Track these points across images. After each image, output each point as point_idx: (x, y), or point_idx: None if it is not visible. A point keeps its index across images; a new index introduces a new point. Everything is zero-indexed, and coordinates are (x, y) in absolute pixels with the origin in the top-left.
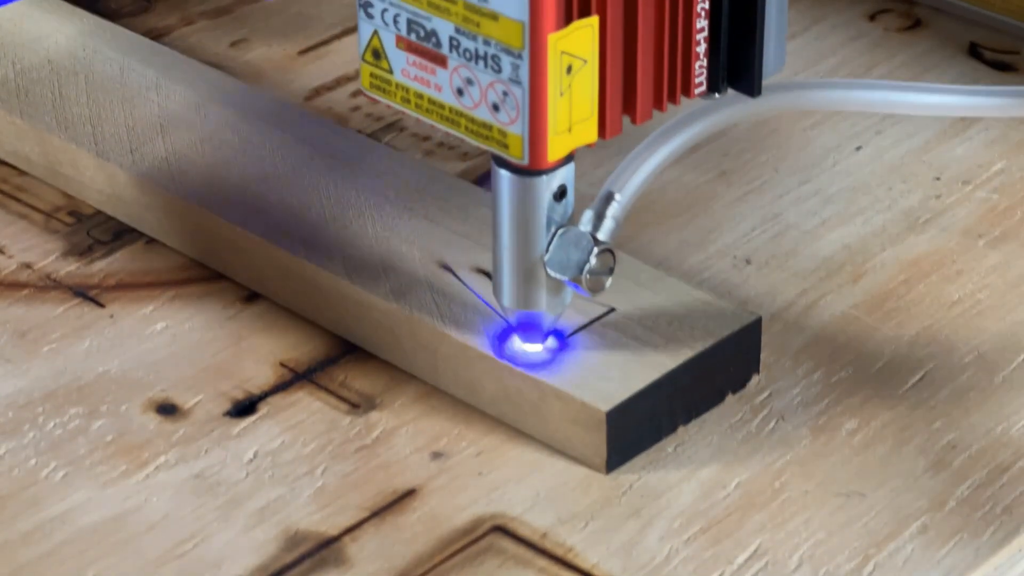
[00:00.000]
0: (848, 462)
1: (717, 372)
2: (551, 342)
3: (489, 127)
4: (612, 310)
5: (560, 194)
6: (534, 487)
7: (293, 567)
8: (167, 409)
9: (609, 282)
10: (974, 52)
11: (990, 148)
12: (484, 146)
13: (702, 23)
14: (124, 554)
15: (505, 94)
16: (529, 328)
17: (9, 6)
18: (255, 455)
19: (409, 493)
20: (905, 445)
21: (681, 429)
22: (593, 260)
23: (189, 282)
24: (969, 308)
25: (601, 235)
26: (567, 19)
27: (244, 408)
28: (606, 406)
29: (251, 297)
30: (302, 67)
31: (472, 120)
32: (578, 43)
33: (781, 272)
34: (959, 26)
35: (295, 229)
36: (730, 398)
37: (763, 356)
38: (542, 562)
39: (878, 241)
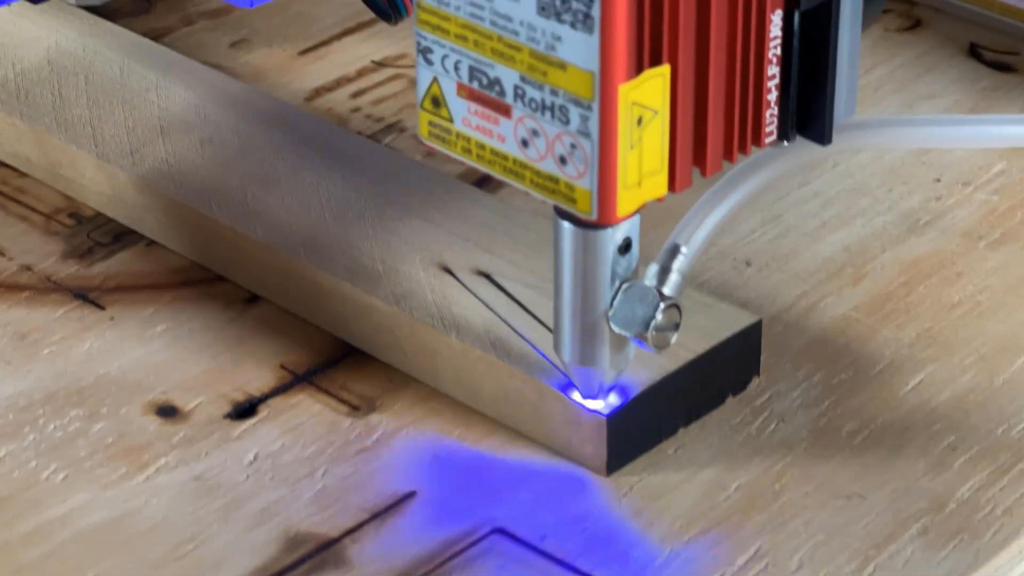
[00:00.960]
0: (848, 464)
1: (717, 374)
2: (613, 398)
3: (556, 180)
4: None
5: (625, 247)
6: (534, 489)
7: (293, 569)
8: (167, 411)
9: (675, 338)
10: (974, 52)
11: (990, 149)
12: (550, 200)
13: (774, 70)
14: (124, 556)
15: (573, 146)
16: (588, 383)
17: (9, 6)
18: (255, 457)
19: (409, 495)
20: (905, 447)
21: (681, 431)
22: (659, 316)
23: (189, 284)
24: (969, 310)
25: (667, 290)
26: (638, 68)
27: (244, 410)
28: (606, 409)
29: (251, 299)
30: (302, 67)
31: (537, 173)
32: (649, 93)
33: (781, 274)
34: (959, 26)
35: (295, 231)
36: (730, 400)
37: (763, 358)
38: (542, 564)
39: (878, 243)
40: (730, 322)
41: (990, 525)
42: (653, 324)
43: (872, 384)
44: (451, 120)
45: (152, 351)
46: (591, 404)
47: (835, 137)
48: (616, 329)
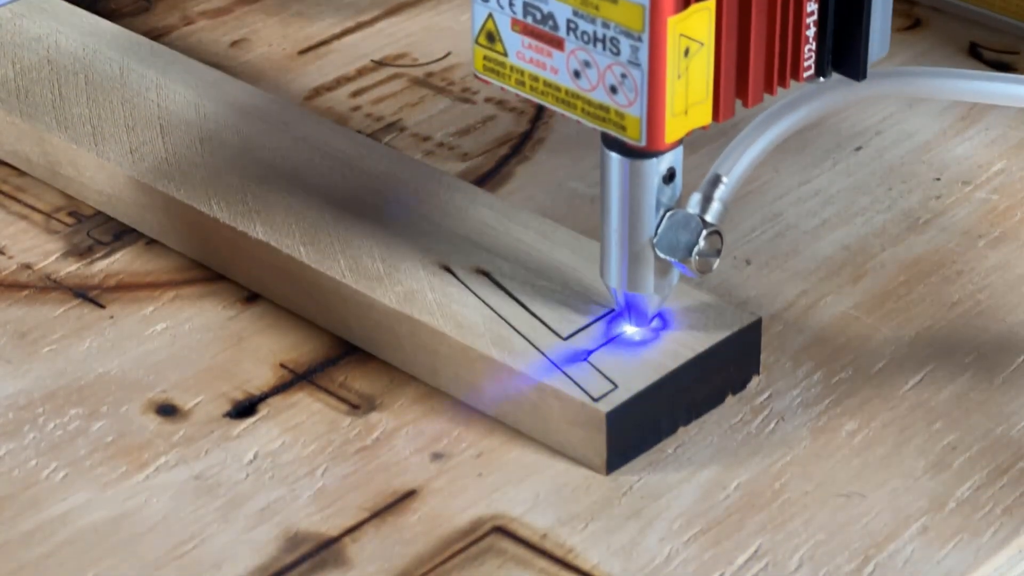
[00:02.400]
0: (848, 463)
1: (717, 373)
2: (656, 323)
3: (606, 109)
4: (612, 310)
5: (669, 176)
6: (534, 488)
7: (293, 568)
8: (167, 410)
9: (716, 264)
10: (974, 52)
11: (990, 148)
12: (600, 128)
13: (812, 6)
14: (124, 555)
15: (623, 76)
16: (635, 310)
17: (9, 6)
18: (255, 456)
19: (409, 494)
20: (905, 446)
21: (681, 430)
22: (702, 242)
23: (189, 283)
24: (969, 309)
25: (709, 217)
26: (686, 2)
27: (244, 409)
28: (606, 407)
29: (251, 298)
30: (302, 67)
31: (589, 102)
32: (696, 26)
33: (781, 272)
34: (959, 26)
35: (295, 229)
36: (730, 399)
37: (763, 357)
38: (542, 563)
39: (878, 241)
40: (730, 321)
41: (990, 524)
42: (696, 250)
43: (872, 383)
44: (505, 54)
45: (152, 350)
46: (633, 332)
47: (870, 83)
48: (661, 255)
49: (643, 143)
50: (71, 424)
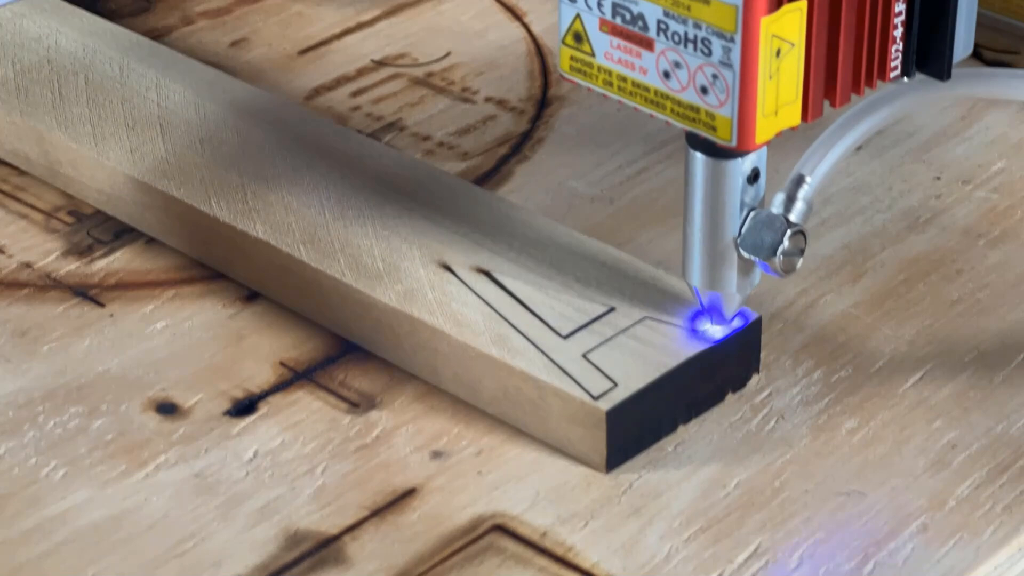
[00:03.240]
0: (848, 461)
1: (717, 371)
2: (737, 322)
3: (697, 109)
4: (612, 309)
5: (753, 177)
6: (534, 486)
7: (293, 566)
8: (167, 408)
9: (800, 263)
10: (974, 52)
11: (990, 148)
12: (691, 128)
13: (900, 6)
14: (124, 553)
15: (715, 77)
16: (716, 309)
17: (9, 6)
18: (255, 454)
19: (409, 492)
20: (905, 444)
21: (681, 428)
22: (786, 242)
23: (189, 281)
24: (969, 307)
25: (793, 217)
26: (778, 3)
27: (244, 407)
28: (606, 405)
29: (251, 296)
30: (302, 67)
31: (679, 103)
32: (787, 27)
33: None
34: None
35: (295, 228)
36: (730, 397)
37: (763, 355)
38: (542, 561)
39: (878, 240)
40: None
41: (990, 523)
42: (781, 249)
43: (872, 381)
44: (593, 55)
45: (152, 348)
46: (714, 331)
47: (952, 83)
48: (745, 254)
49: (734, 143)
50: (71, 422)
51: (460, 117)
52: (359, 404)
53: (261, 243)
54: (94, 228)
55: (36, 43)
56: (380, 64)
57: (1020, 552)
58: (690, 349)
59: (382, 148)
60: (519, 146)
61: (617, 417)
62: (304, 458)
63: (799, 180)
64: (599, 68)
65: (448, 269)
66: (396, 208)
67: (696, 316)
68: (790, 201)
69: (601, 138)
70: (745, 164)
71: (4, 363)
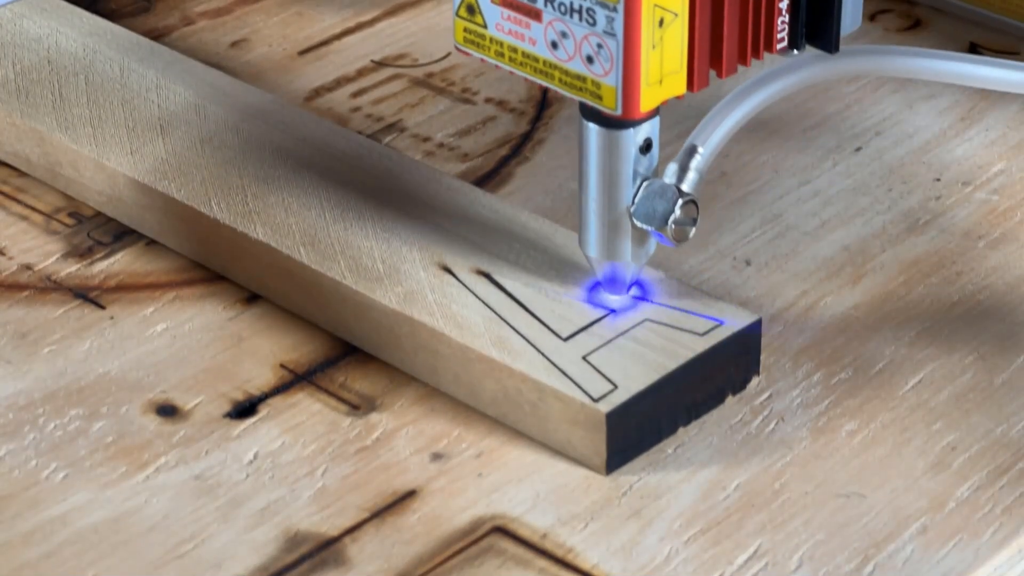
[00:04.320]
0: (848, 463)
1: (717, 373)
2: (634, 292)
3: (583, 79)
4: (612, 311)
5: (646, 147)
6: (534, 488)
7: (293, 568)
8: (167, 410)
9: (692, 232)
10: (974, 52)
11: (990, 149)
12: (578, 97)
13: None
14: (124, 555)
15: (599, 46)
16: (613, 279)
17: (9, 6)
18: (255, 456)
19: (409, 494)
20: (905, 446)
21: (681, 430)
22: (678, 211)
23: (189, 283)
24: (969, 309)
25: (685, 187)
26: None
27: (244, 409)
28: (606, 407)
29: (251, 298)
30: (302, 67)
31: (566, 72)
32: None
33: (781, 273)
34: (959, 26)
35: (295, 230)
36: (730, 399)
37: (763, 357)
38: (542, 563)
39: (878, 242)
40: (730, 321)
41: (989, 524)
42: (672, 218)
43: (872, 383)
44: (485, 26)
45: (152, 350)
46: (615, 299)
47: (845, 59)
48: (638, 224)
49: (619, 112)
50: (71, 424)
51: (460, 118)
52: (359, 406)
53: (261, 245)
54: (94, 230)
55: (36, 43)
56: (380, 64)
57: (1020, 554)
58: (690, 351)
59: (382, 149)
60: (519, 147)
61: (617, 419)
62: (304, 460)
63: (691, 150)
64: (491, 39)
65: (448, 271)
66: (396, 210)
67: (594, 287)
68: (682, 171)
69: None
70: (638, 135)
71: (4, 365)
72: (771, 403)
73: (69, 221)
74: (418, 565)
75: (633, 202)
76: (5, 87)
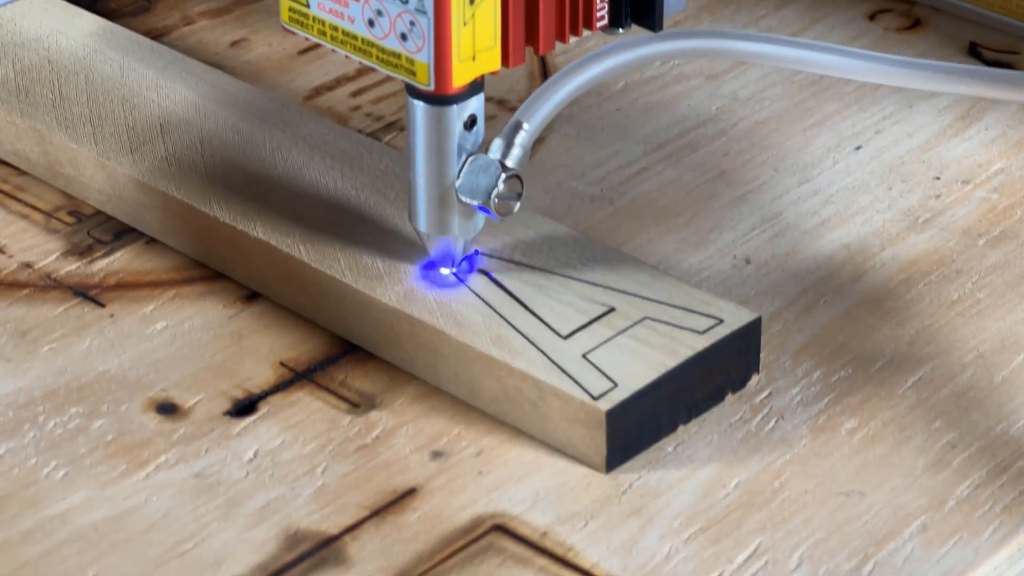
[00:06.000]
0: (848, 461)
1: (717, 371)
2: (464, 267)
3: (398, 56)
4: (612, 310)
5: (471, 123)
6: (534, 486)
7: (293, 566)
8: (167, 409)
9: (517, 207)
10: (974, 52)
11: (989, 148)
12: (394, 74)
13: None
14: (124, 553)
15: (412, 24)
16: (444, 253)
17: (9, 6)
18: (255, 454)
19: (409, 492)
20: (905, 444)
21: (681, 428)
22: (501, 185)
23: (189, 282)
24: (969, 307)
25: (510, 162)
26: None
27: (244, 407)
28: (606, 405)
29: (251, 297)
30: (302, 67)
31: (382, 50)
32: None
33: (781, 272)
34: (959, 26)
35: (295, 229)
36: (730, 397)
37: (763, 356)
38: (542, 561)
39: (878, 241)
40: (730, 319)
41: (989, 523)
42: (495, 193)
43: (871, 381)
44: (307, 5)
45: (152, 348)
46: (445, 272)
47: (673, 39)
48: (463, 198)
49: (432, 88)
50: (71, 423)
51: None
52: (359, 404)
53: (261, 243)
54: (94, 228)
55: (36, 43)
56: None
57: (1019, 552)
58: (690, 349)
59: (382, 148)
60: None
61: (617, 417)
62: (304, 458)
63: (516, 126)
64: (313, 18)
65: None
66: (396, 208)
67: (428, 265)
68: (507, 147)
69: (601, 138)
70: (463, 111)
71: (4, 363)
72: (771, 401)
73: (69, 219)
74: (418, 563)
75: (458, 177)
76: (5, 86)
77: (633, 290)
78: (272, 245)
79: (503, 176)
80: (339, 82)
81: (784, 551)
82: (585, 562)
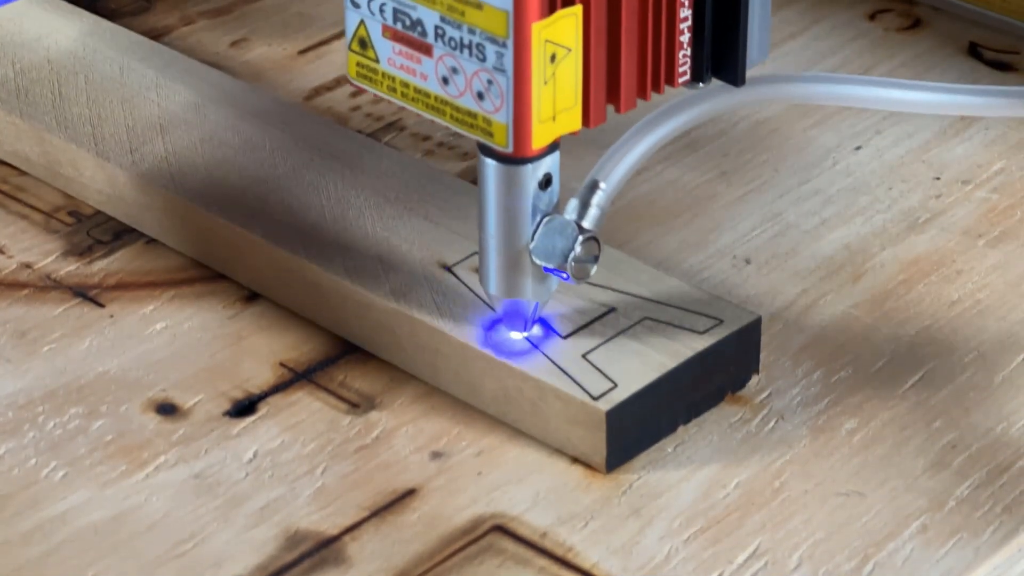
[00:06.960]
0: (848, 462)
1: (717, 372)
2: (536, 330)
3: (474, 115)
4: (612, 310)
5: (545, 183)
6: (534, 487)
7: (293, 567)
8: (167, 409)
9: (594, 270)
10: (974, 52)
11: (990, 148)
12: (469, 134)
13: (686, 12)
14: (124, 554)
15: (490, 82)
16: (515, 316)
17: (9, 6)
18: (255, 455)
19: (409, 493)
20: (905, 445)
21: (681, 429)
22: (578, 248)
23: (189, 282)
24: (969, 308)
25: (586, 223)
26: (551, 8)
27: (244, 408)
28: (606, 406)
29: (251, 297)
30: (302, 67)
31: (457, 108)
32: (562, 32)
33: (781, 272)
34: (959, 26)
35: (295, 229)
36: (730, 398)
37: (763, 356)
38: (542, 562)
39: (878, 241)
40: (730, 320)
41: (989, 523)
42: (572, 256)
43: (872, 382)
44: (377, 60)
45: (152, 349)
46: (516, 336)
47: (751, 89)
48: (537, 261)
49: (510, 149)
50: (71, 423)
51: None
52: (359, 405)
53: (261, 244)
54: (94, 228)
55: (36, 43)
56: None
57: (1020, 552)
58: (690, 349)
59: (382, 148)
60: None
61: (617, 417)
62: (304, 458)
63: (593, 186)
64: (383, 74)
65: (448, 269)
66: (396, 208)
67: (493, 324)
68: (584, 207)
69: (601, 138)
70: (537, 170)
71: (4, 364)
72: (771, 402)
73: (69, 220)
74: (418, 564)
75: (532, 239)
76: (5, 86)
77: (633, 290)
78: (272, 245)
79: (580, 238)
80: (339, 82)
81: (784, 551)
82: (585, 562)
